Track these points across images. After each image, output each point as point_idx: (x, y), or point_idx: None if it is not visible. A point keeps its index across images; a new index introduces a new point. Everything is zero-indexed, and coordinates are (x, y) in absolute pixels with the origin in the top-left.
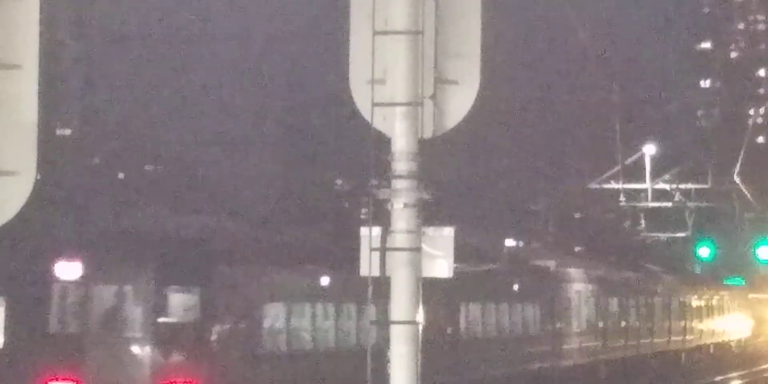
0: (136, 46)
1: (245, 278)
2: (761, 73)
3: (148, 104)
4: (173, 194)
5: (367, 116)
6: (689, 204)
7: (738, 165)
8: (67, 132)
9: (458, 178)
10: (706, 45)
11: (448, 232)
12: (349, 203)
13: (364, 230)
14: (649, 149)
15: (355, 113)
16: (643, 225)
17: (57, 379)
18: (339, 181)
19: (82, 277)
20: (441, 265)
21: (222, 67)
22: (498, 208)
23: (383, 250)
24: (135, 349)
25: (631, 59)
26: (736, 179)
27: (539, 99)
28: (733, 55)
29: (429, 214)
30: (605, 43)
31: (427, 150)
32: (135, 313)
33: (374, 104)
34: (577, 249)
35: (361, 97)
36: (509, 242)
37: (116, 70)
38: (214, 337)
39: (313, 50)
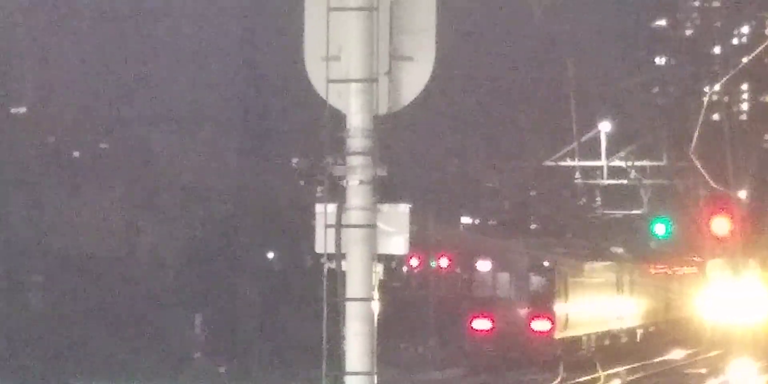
0: (90, 22)
1: (564, 269)
2: (716, 50)
3: (100, 80)
4: (128, 173)
5: (322, 93)
6: (645, 181)
7: (693, 142)
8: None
9: (412, 155)
10: (661, 22)
11: (404, 208)
12: (305, 181)
13: (319, 207)
14: (605, 126)
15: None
16: (598, 202)
17: (479, 317)
18: (295, 160)
19: (491, 269)
20: (396, 242)
21: (176, 43)
22: (453, 186)
23: (338, 226)
24: (519, 302)
25: (585, 36)
26: (692, 156)
27: (493, 76)
28: (689, 32)
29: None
30: (559, 19)
31: (382, 126)
32: (515, 284)
33: (329, 81)
34: (533, 226)
35: (316, 74)
36: (465, 220)
37: (68, 47)
38: (556, 295)
39: (268, 26)
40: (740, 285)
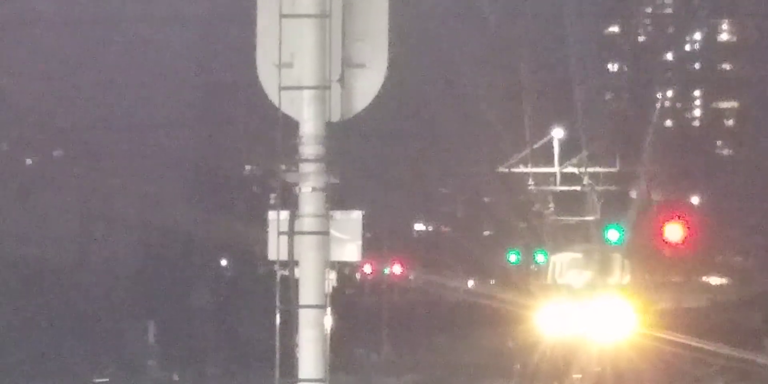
0: (43, 28)
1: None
2: (669, 56)
3: (54, 88)
4: (82, 180)
5: (274, 100)
6: (597, 187)
7: (646, 148)
8: None
9: (367, 162)
10: (614, 29)
11: (357, 215)
12: (259, 188)
13: (272, 214)
14: (558, 133)
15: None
16: (551, 208)
17: None
18: (248, 167)
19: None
20: (350, 249)
21: (131, 49)
22: (407, 193)
23: (291, 233)
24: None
25: (539, 42)
26: (645, 162)
27: (447, 82)
28: (641, 38)
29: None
30: (513, 26)
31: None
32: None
33: (282, 88)
34: (486, 233)
35: (269, 81)
36: (418, 226)
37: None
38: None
39: (222, 33)
40: (594, 290)
